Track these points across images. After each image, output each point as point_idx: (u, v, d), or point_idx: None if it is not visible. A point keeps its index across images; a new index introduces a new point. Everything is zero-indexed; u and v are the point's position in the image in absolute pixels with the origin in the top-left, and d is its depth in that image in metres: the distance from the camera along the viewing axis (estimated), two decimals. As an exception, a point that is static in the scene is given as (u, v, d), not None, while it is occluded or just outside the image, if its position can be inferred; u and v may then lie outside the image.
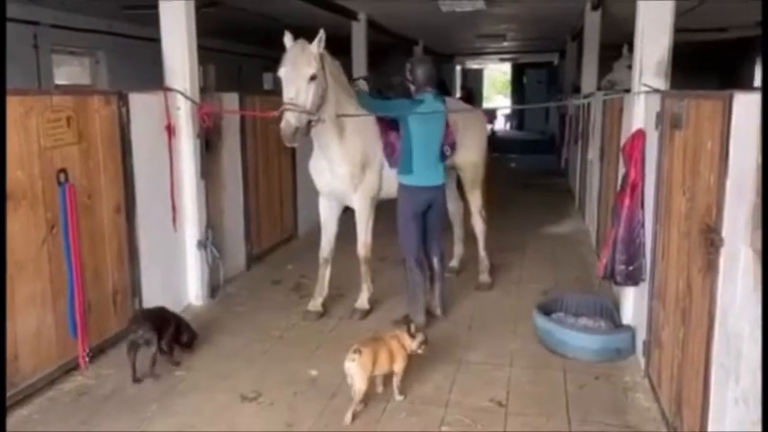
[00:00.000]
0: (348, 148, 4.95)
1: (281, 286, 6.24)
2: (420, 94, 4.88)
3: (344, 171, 4.98)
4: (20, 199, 3.76)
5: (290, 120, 4.34)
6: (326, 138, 4.89)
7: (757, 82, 15.84)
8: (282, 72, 4.48)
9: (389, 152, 5.06)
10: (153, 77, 11.11)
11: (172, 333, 4.43)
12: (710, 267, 2.73)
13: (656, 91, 4.21)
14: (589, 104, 9.27)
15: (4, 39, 5.94)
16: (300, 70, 4.41)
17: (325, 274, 5.41)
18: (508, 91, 34.13)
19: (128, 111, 4.68)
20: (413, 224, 4.93)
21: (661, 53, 4.46)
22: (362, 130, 5.01)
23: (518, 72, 26.54)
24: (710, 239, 2.70)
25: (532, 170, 14.88)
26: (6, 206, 3.61)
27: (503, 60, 25.76)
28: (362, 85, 5.25)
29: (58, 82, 10.10)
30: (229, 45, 14.23)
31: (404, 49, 15.18)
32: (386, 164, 5.14)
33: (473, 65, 26.82)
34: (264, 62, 17.60)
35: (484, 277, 6.10)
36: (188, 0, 5.31)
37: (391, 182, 5.13)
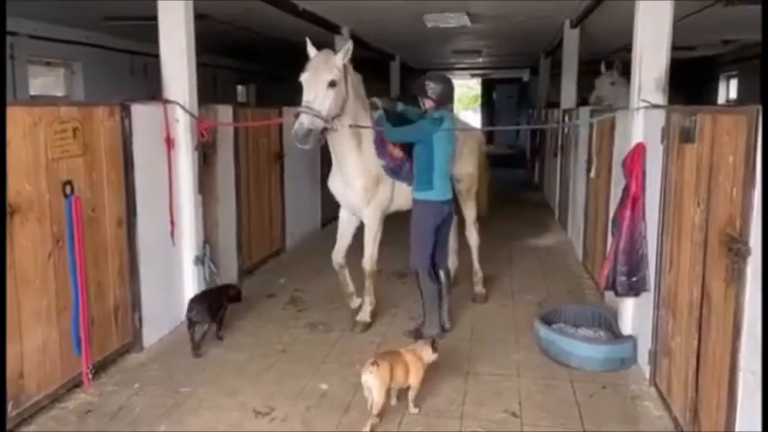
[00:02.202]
0: (363, 162, 5.01)
1: (276, 300, 6.18)
2: (438, 112, 4.92)
3: (359, 184, 5.03)
4: (27, 212, 3.66)
5: (303, 121, 4.44)
6: (343, 150, 4.96)
7: (721, 98, 16.41)
8: (304, 77, 4.58)
9: (396, 165, 5.12)
10: (130, 89, 11.06)
11: (225, 308, 5.16)
12: (735, 276, 2.81)
13: (661, 106, 4.34)
14: (567, 119, 9.49)
15: (4, 47, 5.81)
16: (321, 76, 4.53)
17: (346, 275, 5.47)
18: (476, 106, 34.60)
19: (130, 122, 4.61)
20: (430, 238, 4.98)
21: (659, 70, 4.62)
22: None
23: (487, 88, 26.92)
24: (736, 249, 2.78)
25: (506, 184, 14.95)
26: (6, 220, 3.48)
27: (474, 76, 26.12)
28: (377, 103, 5.27)
29: (32, 93, 9.90)
30: (204, 57, 14.16)
31: (381, 64, 15.30)
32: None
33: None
34: (238, 74, 17.58)
35: (479, 289, 6.18)
36: (187, 11, 5.24)
37: (400, 196, 5.23)
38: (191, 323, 4.82)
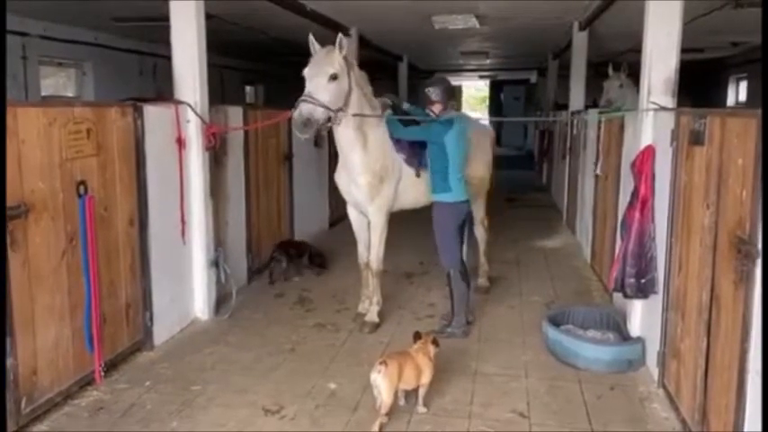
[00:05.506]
0: (369, 158, 5.07)
1: (284, 299, 6.22)
2: (447, 114, 5.05)
3: (363, 181, 5.09)
4: (41, 211, 3.71)
5: (302, 110, 4.56)
6: (349, 147, 5.03)
7: (730, 101, 16.36)
8: (306, 71, 4.71)
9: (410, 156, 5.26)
10: (140, 89, 11.12)
11: (308, 256, 6.84)
12: (745, 278, 2.82)
13: (670, 109, 4.35)
14: (575, 121, 9.49)
15: (4, 46, 5.86)
16: (322, 68, 4.66)
17: (368, 277, 5.49)
18: (482, 107, 34.58)
19: (142, 123, 4.65)
20: (456, 238, 5.11)
21: (668, 72, 4.64)
22: (383, 142, 5.15)
23: (495, 89, 26.91)
24: (745, 251, 2.79)
25: (513, 185, 14.88)
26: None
27: (481, 77, 26.11)
28: (388, 102, 5.34)
29: (43, 94, 9.98)
30: (212, 57, 14.22)
31: (389, 65, 15.32)
32: (402, 177, 5.26)
33: (452, 81, 27.16)
34: (245, 75, 17.65)
35: (482, 281, 6.38)
36: (198, 12, 5.29)
37: (405, 195, 5.32)
38: (272, 259, 6.54)
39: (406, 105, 5.61)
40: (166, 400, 4.12)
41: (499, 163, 7.22)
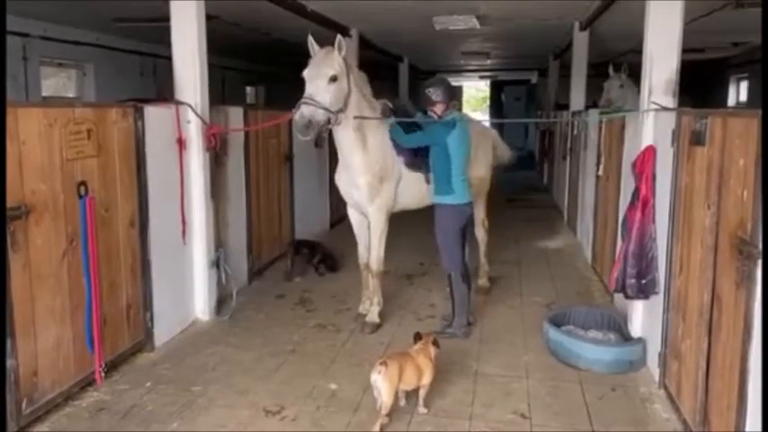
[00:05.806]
0: (368, 159, 5.07)
1: (285, 300, 6.21)
2: (449, 114, 5.03)
3: (363, 181, 5.09)
4: (42, 212, 3.70)
5: (303, 112, 4.56)
6: (349, 148, 5.03)
7: (731, 101, 16.34)
8: (306, 72, 4.71)
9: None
10: (140, 90, 11.12)
11: (320, 257, 6.98)
12: (746, 279, 2.82)
13: (671, 109, 4.35)
14: (574, 122, 9.49)
15: (5, 46, 5.86)
16: (322, 70, 4.66)
17: (369, 278, 5.49)
18: (484, 107, 34.58)
19: (143, 124, 4.65)
20: (457, 240, 5.10)
21: (669, 73, 4.64)
22: (383, 143, 5.15)
23: (496, 89, 26.88)
24: (746, 252, 2.79)
25: (514, 186, 14.82)
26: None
27: (482, 78, 26.09)
28: (389, 105, 5.33)
29: (44, 94, 9.97)
30: (213, 58, 14.16)
31: (390, 66, 15.33)
32: (403, 178, 5.26)
33: (453, 82, 27.12)
34: (246, 76, 17.64)
35: (483, 282, 6.39)
36: (199, 12, 5.29)
37: (406, 196, 5.32)
38: (286, 254, 7.05)
39: (418, 115, 5.49)
40: (167, 401, 4.12)
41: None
